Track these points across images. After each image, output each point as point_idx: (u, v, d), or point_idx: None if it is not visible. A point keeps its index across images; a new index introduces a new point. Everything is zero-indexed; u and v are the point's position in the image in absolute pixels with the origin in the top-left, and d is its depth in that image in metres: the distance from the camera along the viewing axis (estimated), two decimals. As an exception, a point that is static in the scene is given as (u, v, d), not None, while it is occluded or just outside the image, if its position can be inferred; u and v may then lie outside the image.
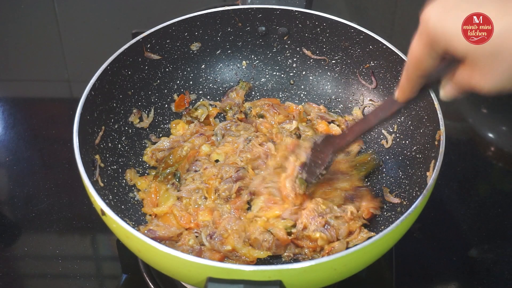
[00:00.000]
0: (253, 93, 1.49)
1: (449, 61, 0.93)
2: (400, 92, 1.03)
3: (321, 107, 1.44)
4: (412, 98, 1.04)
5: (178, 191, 1.27)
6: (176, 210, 1.24)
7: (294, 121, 1.39)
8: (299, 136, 1.38)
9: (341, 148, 1.18)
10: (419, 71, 0.95)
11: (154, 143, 1.37)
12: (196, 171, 1.31)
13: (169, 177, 1.28)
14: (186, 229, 1.22)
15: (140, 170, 1.32)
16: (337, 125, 1.40)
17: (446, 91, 0.97)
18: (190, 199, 1.26)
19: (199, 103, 1.45)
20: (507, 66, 0.84)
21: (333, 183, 1.26)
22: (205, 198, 1.26)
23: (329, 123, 1.41)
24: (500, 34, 0.83)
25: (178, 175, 1.29)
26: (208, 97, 1.47)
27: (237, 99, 1.45)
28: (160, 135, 1.39)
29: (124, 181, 1.28)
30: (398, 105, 1.06)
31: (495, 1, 0.84)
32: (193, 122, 1.42)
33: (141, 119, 1.38)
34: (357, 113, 1.41)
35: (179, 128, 1.40)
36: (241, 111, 1.44)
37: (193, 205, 1.25)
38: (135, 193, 1.28)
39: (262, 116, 1.41)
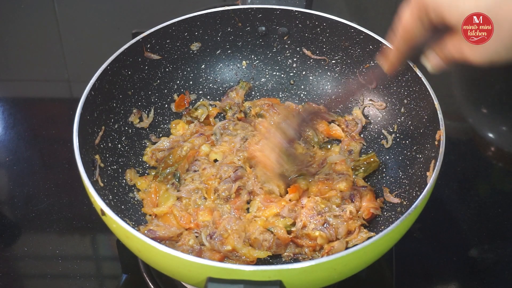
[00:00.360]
0: (253, 93, 1.49)
1: (437, 31, 0.93)
2: (389, 64, 1.05)
3: (321, 107, 1.44)
4: (398, 69, 1.06)
5: (178, 191, 1.27)
6: (176, 210, 1.24)
7: (294, 121, 1.39)
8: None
9: (312, 118, 1.21)
10: (409, 41, 0.97)
11: (154, 143, 1.37)
12: (195, 171, 1.31)
13: (169, 177, 1.28)
14: (186, 229, 1.22)
15: (140, 170, 1.32)
16: (337, 125, 1.40)
17: (434, 62, 0.98)
18: (190, 199, 1.26)
19: (199, 103, 1.45)
20: (498, 38, 0.85)
21: (331, 182, 1.26)
22: (205, 198, 1.26)
23: (329, 123, 1.41)
24: (492, 6, 0.84)
25: (178, 175, 1.29)
26: (208, 97, 1.47)
27: (237, 98, 1.45)
28: (160, 135, 1.39)
29: (124, 181, 1.28)
30: (385, 77, 1.09)
31: None
32: (193, 122, 1.41)
33: (141, 119, 1.38)
34: (357, 113, 1.41)
35: (179, 128, 1.40)
36: (240, 111, 1.44)
37: (193, 205, 1.25)
38: (135, 193, 1.28)
39: (261, 116, 1.41)
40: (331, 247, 1.17)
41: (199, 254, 1.17)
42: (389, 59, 1.04)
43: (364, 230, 1.20)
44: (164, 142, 1.35)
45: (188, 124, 1.41)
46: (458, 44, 0.90)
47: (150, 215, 1.25)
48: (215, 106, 1.45)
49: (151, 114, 1.39)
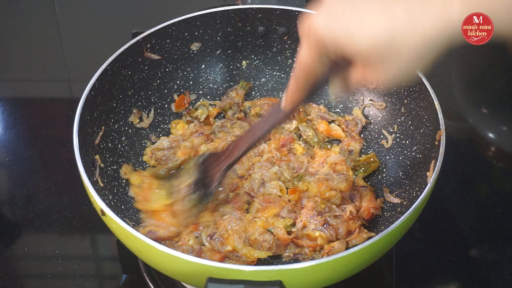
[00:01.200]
0: (253, 93, 1.48)
1: (337, 65, 0.95)
2: (288, 102, 1.04)
3: (321, 107, 1.44)
4: (298, 106, 1.05)
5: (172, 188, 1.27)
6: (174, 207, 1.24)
7: (294, 121, 1.39)
8: (299, 136, 1.38)
9: (229, 165, 1.17)
10: (309, 79, 0.98)
11: (154, 143, 1.37)
12: None
13: (166, 176, 1.29)
14: (187, 229, 1.22)
15: (140, 170, 1.32)
16: (337, 125, 1.40)
17: (335, 91, 1.00)
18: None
19: (199, 103, 1.45)
20: (397, 66, 0.88)
21: (331, 183, 1.26)
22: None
23: (329, 123, 1.41)
24: (388, 38, 0.85)
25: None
26: (208, 97, 1.47)
27: (237, 98, 1.45)
28: (160, 135, 1.39)
29: (124, 181, 1.28)
30: (284, 114, 1.07)
31: (377, 4, 0.87)
32: (193, 122, 1.41)
33: (141, 119, 1.38)
34: (357, 113, 1.41)
35: (179, 128, 1.40)
36: (241, 111, 1.44)
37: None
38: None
39: (262, 116, 1.41)
40: (331, 248, 1.17)
41: (199, 254, 1.17)
42: (290, 98, 1.04)
43: (364, 230, 1.20)
44: (163, 142, 1.35)
45: (188, 124, 1.41)
46: (361, 72, 0.92)
47: (144, 212, 1.24)
48: (215, 106, 1.45)
49: (151, 114, 1.39)
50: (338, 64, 0.94)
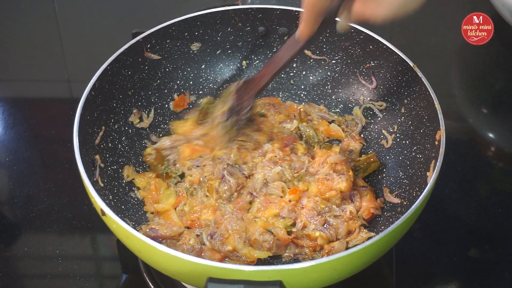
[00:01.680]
0: (253, 93, 1.48)
1: None
2: (301, 32, 1.12)
3: (321, 107, 1.44)
4: (313, 36, 1.13)
5: (177, 183, 1.28)
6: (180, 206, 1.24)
7: (294, 121, 1.39)
8: (300, 137, 1.38)
9: (260, 89, 1.26)
10: (316, 10, 1.05)
11: (154, 143, 1.37)
12: (198, 166, 1.30)
13: (170, 173, 1.29)
14: (187, 228, 1.22)
15: (140, 170, 1.32)
16: (337, 125, 1.40)
17: (341, 24, 1.09)
18: (192, 196, 1.26)
19: (205, 99, 1.43)
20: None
21: (331, 183, 1.26)
22: (207, 196, 1.26)
23: (329, 123, 1.41)
24: None
25: (180, 171, 1.29)
26: (208, 97, 1.46)
27: (239, 98, 1.45)
28: (160, 135, 1.39)
29: (124, 181, 1.28)
30: (301, 44, 1.16)
31: None
32: (206, 123, 1.40)
33: (141, 119, 1.38)
34: (357, 113, 1.41)
35: (187, 125, 1.39)
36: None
37: (196, 202, 1.25)
38: (136, 192, 1.28)
39: (263, 115, 1.41)
40: (332, 248, 1.17)
41: (199, 253, 1.17)
42: (302, 28, 1.12)
43: (364, 230, 1.20)
44: (165, 141, 1.35)
45: (200, 124, 1.39)
46: (362, 6, 1.01)
47: (152, 213, 1.25)
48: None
49: (151, 114, 1.39)
50: None
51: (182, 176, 1.30)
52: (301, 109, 1.43)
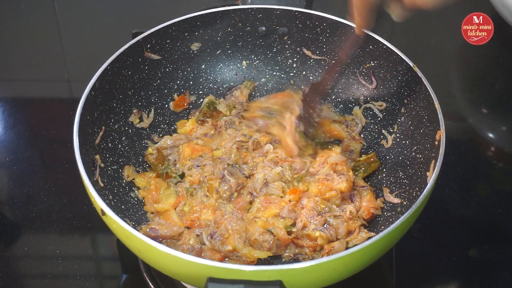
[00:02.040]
0: (253, 93, 1.48)
1: None
2: (358, 27, 1.17)
3: (328, 105, 1.44)
4: (371, 29, 1.17)
5: (177, 183, 1.28)
6: (180, 206, 1.24)
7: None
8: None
9: (326, 92, 1.29)
10: (367, 5, 1.10)
11: (155, 143, 1.37)
12: (198, 166, 1.30)
13: (170, 173, 1.29)
14: (187, 228, 1.22)
15: (140, 170, 1.32)
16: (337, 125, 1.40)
17: (397, 13, 1.12)
18: (192, 196, 1.26)
19: (207, 98, 1.43)
20: None
21: (331, 183, 1.26)
22: (207, 196, 1.26)
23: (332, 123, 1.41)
24: None
25: (180, 171, 1.29)
26: (210, 95, 1.46)
27: (241, 97, 1.45)
28: (161, 135, 1.39)
29: (124, 181, 1.28)
30: (361, 38, 1.22)
31: None
32: (206, 123, 1.40)
33: (141, 119, 1.38)
34: (357, 113, 1.41)
35: (188, 124, 1.39)
36: (244, 110, 1.43)
37: (196, 202, 1.25)
38: (136, 192, 1.28)
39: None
40: (331, 247, 1.17)
41: (199, 253, 1.17)
42: (358, 24, 1.16)
43: (364, 230, 1.20)
44: (167, 141, 1.35)
45: (201, 124, 1.40)
46: None
47: (152, 212, 1.25)
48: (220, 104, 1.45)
49: (151, 114, 1.39)
50: None
51: (182, 176, 1.30)
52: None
